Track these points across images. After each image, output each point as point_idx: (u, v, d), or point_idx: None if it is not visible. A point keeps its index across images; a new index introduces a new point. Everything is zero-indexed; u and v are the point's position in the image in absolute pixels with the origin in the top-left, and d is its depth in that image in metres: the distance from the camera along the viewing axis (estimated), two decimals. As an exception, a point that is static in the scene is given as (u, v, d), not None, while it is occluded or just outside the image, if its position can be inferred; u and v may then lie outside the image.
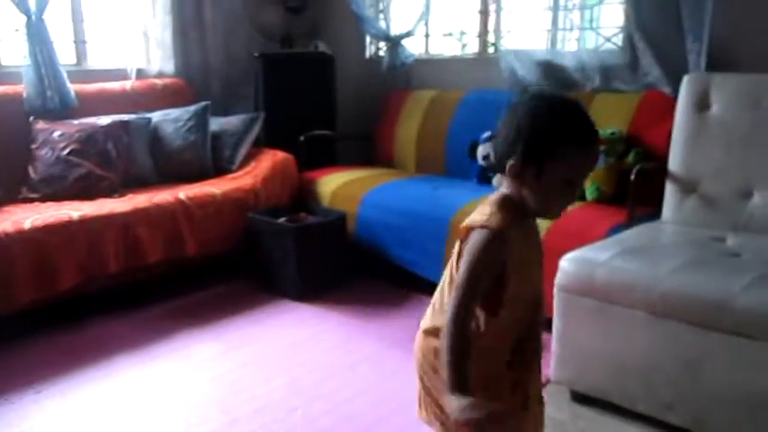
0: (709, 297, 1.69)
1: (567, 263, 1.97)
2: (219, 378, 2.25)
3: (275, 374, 2.27)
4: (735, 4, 2.60)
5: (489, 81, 3.45)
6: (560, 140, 1.10)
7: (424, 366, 1.28)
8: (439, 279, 2.88)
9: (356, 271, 3.16)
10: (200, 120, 3.40)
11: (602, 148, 2.70)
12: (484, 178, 3.08)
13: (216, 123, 3.51)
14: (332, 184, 3.35)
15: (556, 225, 2.42)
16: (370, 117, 3.96)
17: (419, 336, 1.31)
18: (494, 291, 1.16)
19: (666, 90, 2.75)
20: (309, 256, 2.94)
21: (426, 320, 1.30)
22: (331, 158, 3.91)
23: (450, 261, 1.23)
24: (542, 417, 1.35)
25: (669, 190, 2.36)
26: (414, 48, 3.89)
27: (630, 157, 2.66)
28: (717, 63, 2.60)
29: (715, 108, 2.31)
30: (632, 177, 2.35)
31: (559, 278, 1.98)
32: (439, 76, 3.76)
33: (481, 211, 1.19)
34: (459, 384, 1.09)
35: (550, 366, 2.06)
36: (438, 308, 1.25)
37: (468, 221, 1.19)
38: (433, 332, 1.24)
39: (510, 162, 1.14)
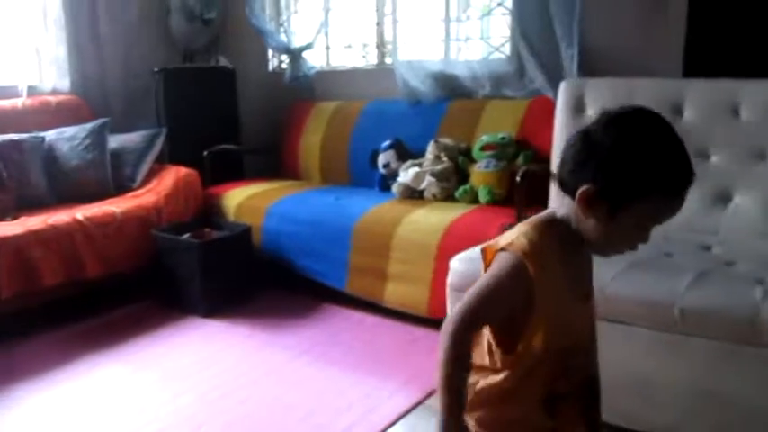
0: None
1: (456, 263, 2.07)
2: (124, 400, 2.21)
3: (181, 392, 2.25)
4: (602, 15, 2.79)
5: (389, 91, 3.55)
6: (655, 188, 0.93)
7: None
8: (344, 286, 2.94)
9: (263, 283, 3.17)
10: (98, 137, 3.33)
11: (493, 152, 2.85)
12: (385, 186, 3.17)
13: (116, 141, 3.44)
14: (237, 197, 3.35)
15: (450, 229, 2.53)
16: (275, 130, 3.98)
17: None
18: (511, 327, 1.02)
19: (551, 95, 2.92)
20: (215, 271, 2.93)
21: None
22: (237, 173, 3.89)
23: None
24: None
25: (553, 191, 2.51)
26: (316, 60, 3.95)
27: (520, 160, 2.81)
28: (592, 69, 2.79)
29: (590, 111, 2.48)
30: (518, 179, 2.48)
31: (450, 278, 2.07)
32: (341, 87, 3.83)
33: (516, 231, 1.03)
34: (452, 407, 0.98)
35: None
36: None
37: (493, 243, 1.04)
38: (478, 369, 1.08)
39: (583, 188, 0.95)
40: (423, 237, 2.59)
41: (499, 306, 1.01)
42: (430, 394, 2.17)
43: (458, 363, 0.98)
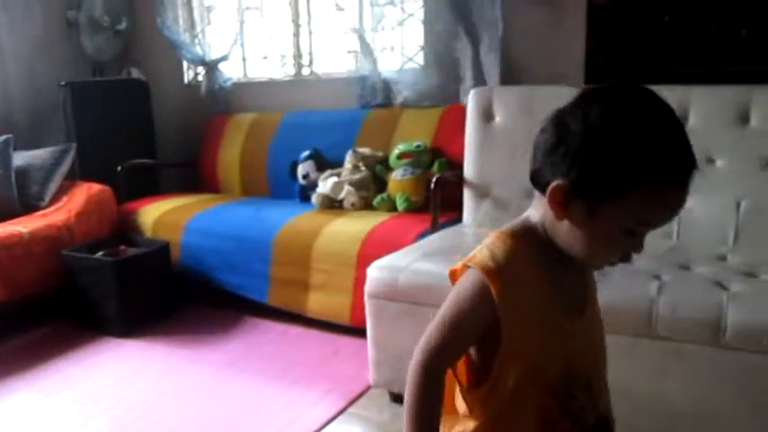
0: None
1: (373, 270, 2.10)
2: (36, 428, 2.12)
3: (96, 415, 2.17)
4: (523, 25, 2.90)
5: (307, 102, 3.57)
6: (641, 178, 0.76)
7: None
8: (266, 299, 2.92)
9: (184, 300, 3.10)
10: (2, 154, 3.18)
11: (409, 160, 2.91)
12: (305, 197, 3.17)
13: (21, 158, 3.30)
14: (154, 213, 3.27)
15: (368, 237, 2.56)
16: (193, 143, 3.91)
17: None
18: (482, 361, 0.88)
19: (463, 104, 3.01)
20: (132, 289, 2.85)
21: None
22: (154, 188, 3.80)
23: None
24: None
25: (466, 195, 2.59)
26: (232, 72, 3.91)
27: (435, 168, 2.87)
28: (503, 77, 2.89)
29: (498, 118, 2.57)
30: (432, 186, 2.54)
31: (368, 286, 2.10)
32: (258, 98, 3.81)
33: (483, 246, 0.87)
34: None
35: (369, 371, 2.18)
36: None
37: (463, 262, 0.88)
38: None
39: (555, 183, 0.80)
40: (342, 246, 2.61)
41: (464, 336, 0.86)
42: (353, 402, 2.19)
43: (425, 407, 0.85)
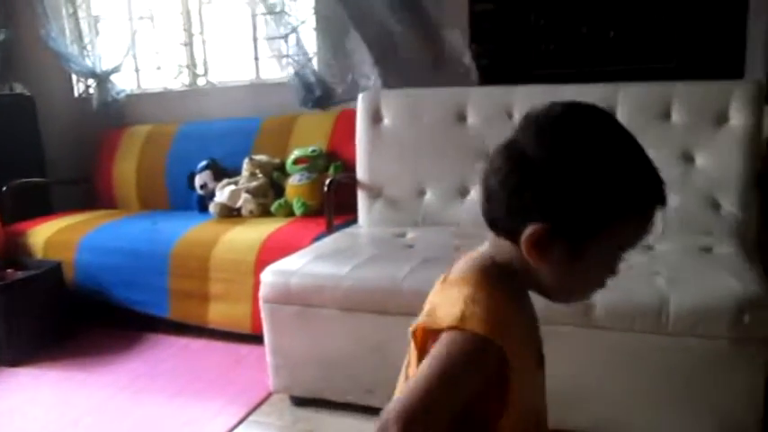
0: (381, 286, 1.93)
1: (267, 275, 2.10)
2: None
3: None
4: (401, 30, 2.97)
5: (203, 112, 3.52)
6: (625, 208, 0.72)
7: None
8: (166, 313, 2.86)
9: (80, 322, 2.97)
10: None
11: (305, 165, 2.93)
12: (203, 207, 3.13)
13: None
14: (44, 233, 3.12)
15: (265, 243, 2.56)
16: (86, 158, 3.76)
17: None
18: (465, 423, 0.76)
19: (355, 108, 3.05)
20: (21, 315, 2.71)
21: None
22: (45, 207, 3.62)
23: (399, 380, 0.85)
24: None
25: (360, 197, 2.64)
26: (125, 83, 3.80)
27: (331, 171, 2.90)
28: (395, 81, 2.95)
29: (387, 120, 2.62)
30: (326, 189, 2.57)
31: (262, 290, 2.10)
32: (153, 110, 3.72)
33: (453, 297, 0.76)
34: None
35: (268, 377, 2.17)
36: None
37: (427, 318, 0.77)
38: None
39: (529, 231, 0.72)
40: (240, 254, 2.59)
41: (456, 398, 0.72)
42: (254, 409, 2.17)
43: None
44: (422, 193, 2.55)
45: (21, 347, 2.70)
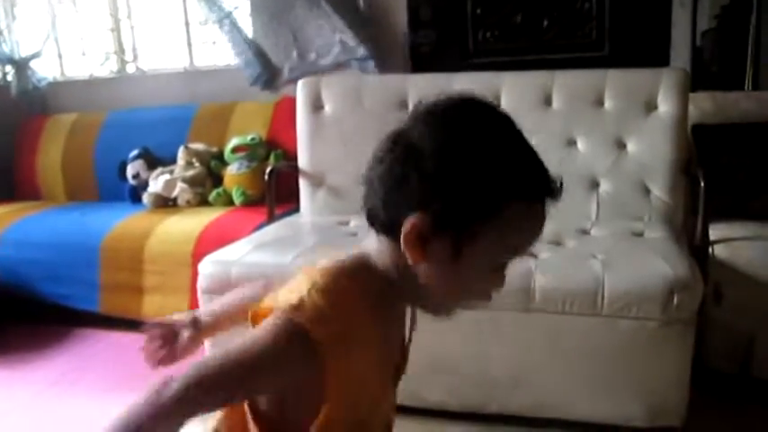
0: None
1: (205, 265, 2.04)
2: None
3: None
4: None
5: (133, 101, 3.38)
6: (513, 191, 0.68)
7: None
8: (97, 308, 2.74)
9: (2, 318, 2.82)
10: None
11: (244, 153, 2.87)
12: (136, 197, 3.01)
13: None
14: (-40, 227, 2.94)
15: (203, 233, 2.49)
16: (5, 148, 3.55)
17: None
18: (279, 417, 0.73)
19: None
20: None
21: None
22: (-40, 200, 3.41)
23: None
24: None
25: (302, 185, 2.60)
26: (47, 70, 3.62)
27: (271, 160, 2.85)
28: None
29: (327, 107, 2.59)
30: (266, 178, 2.53)
31: (200, 281, 2.04)
32: (79, 98, 3.55)
33: (300, 283, 0.71)
34: None
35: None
36: None
37: (269, 304, 0.72)
38: None
39: (411, 220, 0.67)
40: (176, 245, 2.51)
41: (247, 391, 0.70)
42: (194, 403, 2.11)
43: (159, 420, 0.65)
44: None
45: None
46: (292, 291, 0.70)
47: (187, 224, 2.59)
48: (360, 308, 0.71)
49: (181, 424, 0.66)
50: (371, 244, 0.75)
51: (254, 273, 1.98)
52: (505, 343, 1.86)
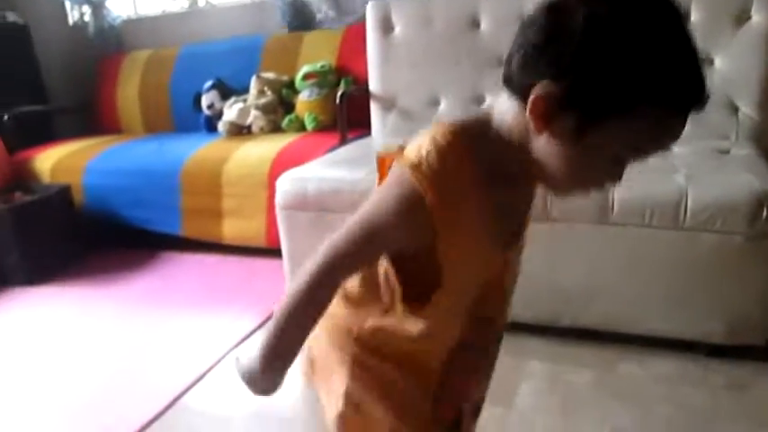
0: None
1: (282, 182, 2.10)
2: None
3: (9, 356, 2.10)
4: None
5: (204, 34, 3.45)
6: (654, 95, 0.62)
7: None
8: (179, 231, 2.87)
9: (93, 243, 3.00)
10: None
11: (315, 80, 2.89)
12: (211, 127, 3.10)
13: None
14: (50, 159, 3.10)
15: (278, 157, 2.54)
16: (86, 85, 3.71)
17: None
18: (413, 267, 0.76)
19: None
20: (32, 236, 2.72)
21: None
22: (47, 135, 3.58)
23: None
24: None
25: (373, 109, 2.61)
26: (121, 9, 3.71)
27: (342, 86, 2.86)
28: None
29: (397, 30, 2.56)
30: (338, 102, 2.54)
31: (278, 197, 2.10)
32: (152, 34, 3.64)
33: (426, 136, 0.71)
34: (277, 356, 0.73)
35: (285, 285, 2.20)
36: None
37: (397, 150, 0.73)
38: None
39: (541, 87, 0.64)
40: (252, 169, 2.58)
41: (377, 248, 0.73)
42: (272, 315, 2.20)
43: (309, 311, 0.72)
44: (436, 102, 2.52)
45: (36, 268, 2.72)
46: (417, 145, 0.71)
47: (262, 149, 2.65)
48: (475, 172, 0.70)
49: (330, 298, 0.72)
50: (500, 105, 0.71)
51: (328, 188, 2.03)
52: (579, 256, 1.84)
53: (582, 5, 0.62)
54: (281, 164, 2.47)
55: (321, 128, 2.82)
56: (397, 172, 0.70)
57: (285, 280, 2.20)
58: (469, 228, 0.71)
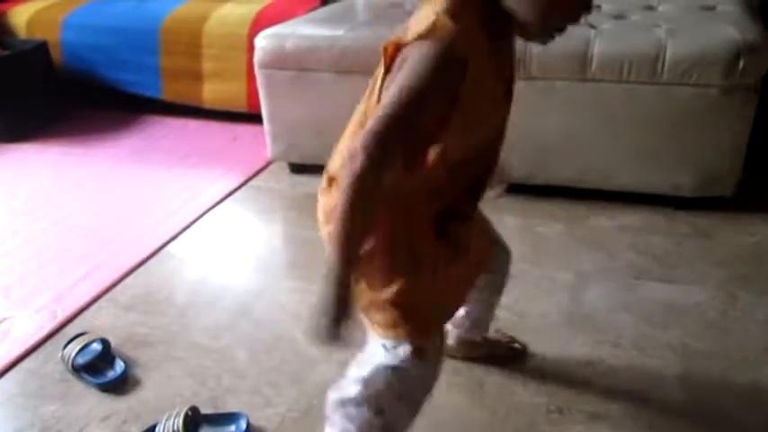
0: (378, 45, 1.89)
1: (261, 40, 2.06)
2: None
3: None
4: None
5: None
6: None
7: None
8: (160, 94, 2.82)
9: (73, 102, 2.94)
10: None
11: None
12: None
13: None
14: (25, 13, 2.98)
15: (258, 17, 2.48)
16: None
17: (319, 191, 0.94)
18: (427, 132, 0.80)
19: None
20: (11, 92, 2.67)
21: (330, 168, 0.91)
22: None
23: (364, 98, 0.85)
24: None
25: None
26: None
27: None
28: None
29: None
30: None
31: (257, 55, 2.07)
32: None
33: (423, 17, 0.76)
34: (347, 257, 0.76)
35: (267, 146, 2.22)
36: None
37: (398, 36, 0.77)
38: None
39: None
40: (232, 29, 2.52)
41: (427, 111, 0.75)
42: (253, 176, 2.24)
43: (370, 189, 0.74)
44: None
45: (15, 124, 2.70)
46: (421, 20, 0.75)
47: (242, 9, 2.57)
48: (478, 25, 0.76)
49: (386, 170, 0.74)
50: None
51: (306, 45, 2.00)
52: (556, 112, 1.86)
53: None
54: (261, 24, 2.41)
55: (301, -12, 2.72)
56: (416, 49, 0.73)
57: (267, 144, 2.21)
58: (483, 69, 0.77)
